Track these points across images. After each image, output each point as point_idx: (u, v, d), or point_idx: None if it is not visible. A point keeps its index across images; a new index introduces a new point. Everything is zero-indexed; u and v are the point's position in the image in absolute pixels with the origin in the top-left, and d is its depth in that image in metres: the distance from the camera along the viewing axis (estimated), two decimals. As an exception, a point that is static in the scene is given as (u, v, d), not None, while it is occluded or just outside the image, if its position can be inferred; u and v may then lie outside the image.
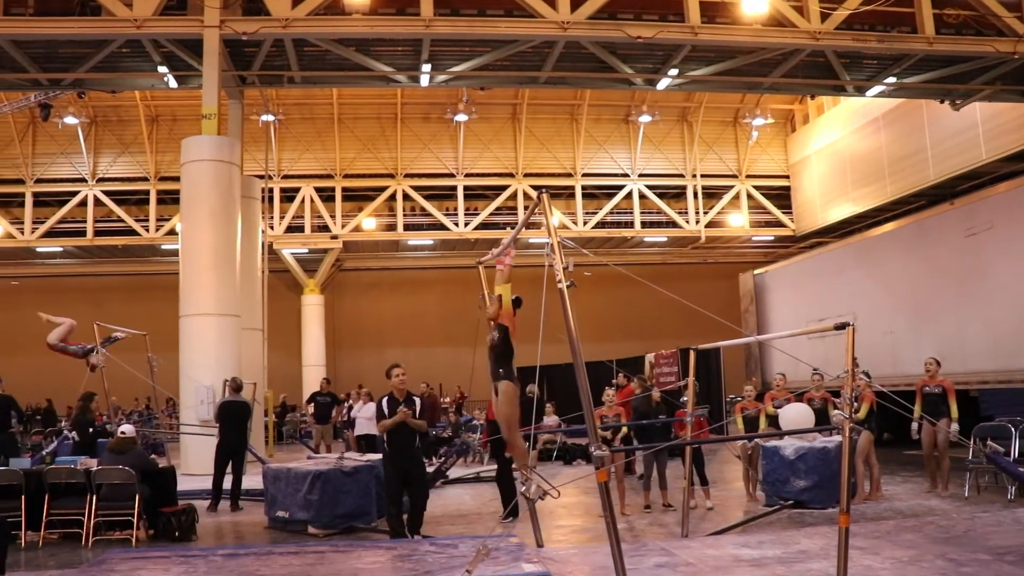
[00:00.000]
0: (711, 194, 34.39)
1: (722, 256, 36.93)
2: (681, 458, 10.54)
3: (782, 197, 34.52)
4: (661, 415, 11.33)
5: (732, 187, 34.32)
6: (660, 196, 33.93)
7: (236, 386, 12.75)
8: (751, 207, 34.37)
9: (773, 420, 11.24)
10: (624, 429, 11.02)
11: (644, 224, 33.84)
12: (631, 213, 33.71)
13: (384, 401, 8.62)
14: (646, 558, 7.03)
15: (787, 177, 34.75)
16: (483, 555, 4.53)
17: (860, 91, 22.16)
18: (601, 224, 33.48)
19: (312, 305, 34.56)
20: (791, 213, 34.26)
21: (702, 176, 34.27)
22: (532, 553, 6.50)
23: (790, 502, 10.39)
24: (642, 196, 33.81)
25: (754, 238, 35.16)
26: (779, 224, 34.26)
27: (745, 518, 9.90)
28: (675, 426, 11.35)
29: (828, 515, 9.63)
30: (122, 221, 32.52)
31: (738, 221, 34.33)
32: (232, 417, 12.15)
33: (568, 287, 5.09)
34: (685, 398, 9.88)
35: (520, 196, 33.01)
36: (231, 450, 12.11)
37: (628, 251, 34.95)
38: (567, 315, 5.15)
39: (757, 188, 34.37)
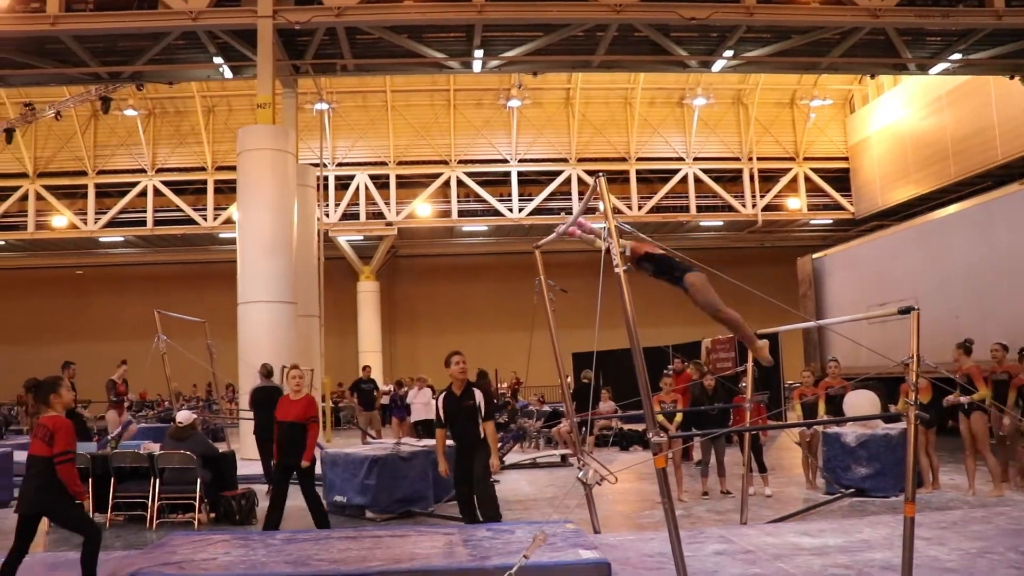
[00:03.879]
0: (768, 177, 33.96)
1: (779, 240, 36.43)
2: (740, 445, 10.40)
3: (841, 180, 33.94)
4: (718, 401, 11.21)
5: (789, 170, 33.87)
6: (716, 180, 33.60)
7: (266, 372, 12.69)
8: (809, 190, 33.85)
9: (834, 407, 11.04)
10: (679, 416, 10.91)
11: (700, 208, 33.55)
12: (686, 197, 33.43)
13: (441, 399, 8.04)
14: (705, 545, 6.95)
15: (846, 159, 34.14)
16: (540, 541, 4.51)
17: (923, 69, 21.63)
18: (656, 209, 33.26)
19: (368, 291, 34.83)
20: (850, 196, 33.67)
21: (758, 159, 33.86)
22: (589, 539, 6.46)
23: (851, 490, 10.20)
24: (697, 180, 33.50)
25: (812, 222, 34.62)
26: (838, 207, 33.71)
27: (805, 506, 9.74)
28: (734, 412, 11.21)
29: (891, 504, 9.44)
30: (181, 211, 33.13)
31: (796, 204, 33.84)
32: (264, 403, 12.13)
33: (625, 271, 5.03)
34: (744, 384, 9.75)
35: (574, 181, 32.90)
36: (267, 436, 12.07)
37: (684, 236, 34.64)
38: (625, 300, 5.09)
39: (815, 171, 33.85)
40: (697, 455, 12.94)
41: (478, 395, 7.81)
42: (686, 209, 33.49)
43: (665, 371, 13.60)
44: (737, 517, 8.85)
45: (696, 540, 7.10)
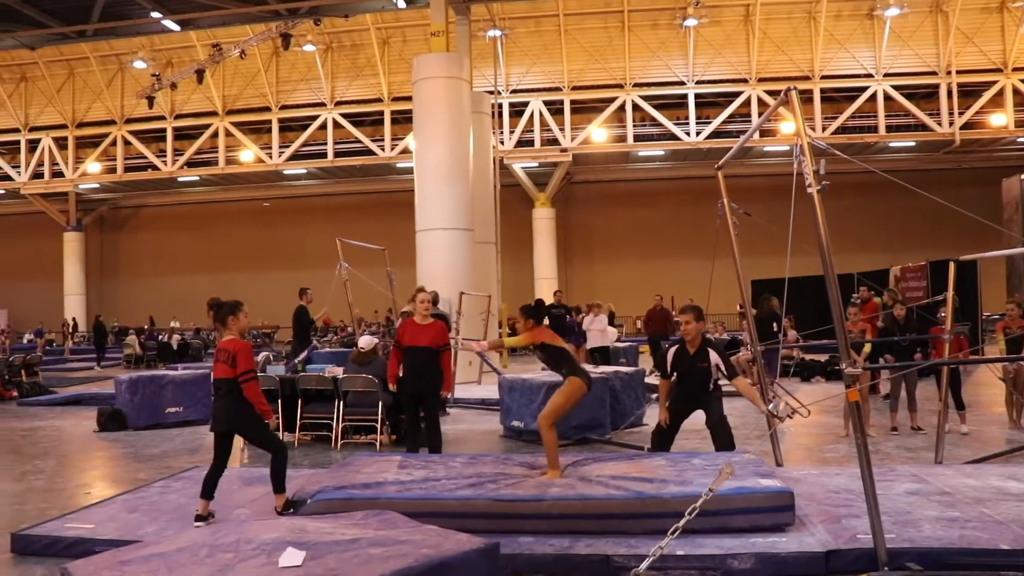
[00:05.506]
0: (968, 92, 31.55)
1: (980, 161, 33.99)
2: (936, 379, 9.80)
3: (1056, 91, 31.04)
4: (910, 332, 10.59)
5: (994, 83, 31.26)
6: (908, 97, 31.58)
7: (433, 299, 12.85)
8: (1017, 104, 31.17)
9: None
10: (868, 347, 10.36)
11: (889, 128, 31.68)
12: (875, 117, 31.60)
13: (672, 352, 7.32)
14: (896, 484, 6.60)
15: (1063, 67, 31.13)
16: (727, 474, 4.37)
17: None
18: (841, 129, 31.70)
19: (543, 219, 35.02)
20: (1066, 109, 30.79)
21: (958, 72, 31.44)
22: (771, 470, 6.26)
23: (1063, 431, 9.47)
24: (887, 98, 31.59)
25: (1019, 139, 31.95)
26: (1052, 122, 30.92)
27: (1009, 447, 9.11)
28: (933, 344, 10.55)
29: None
30: (359, 142, 34.18)
31: (1000, 121, 31.29)
32: None
33: (819, 191, 4.71)
34: (942, 313, 9.15)
35: (754, 102, 31.69)
36: None
37: (871, 157, 32.81)
38: (818, 223, 4.78)
39: (1025, 82, 31.08)
40: (885, 388, 12.37)
41: (713, 356, 7.14)
42: (874, 129, 31.68)
43: (852, 299, 12.98)
44: (929, 455, 8.40)
45: (886, 478, 6.75)
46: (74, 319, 37.34)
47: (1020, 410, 10.50)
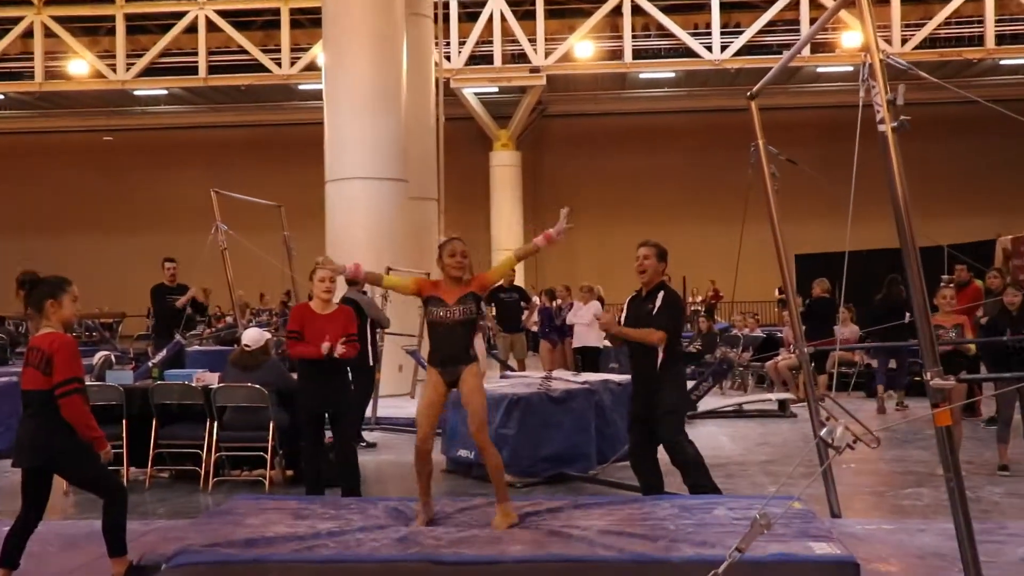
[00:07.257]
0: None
1: None
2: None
3: None
4: (1027, 329, 10.68)
5: None
6: (1027, -6, 31.81)
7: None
8: None
9: None
10: (972, 347, 10.41)
11: (1000, 39, 31.78)
12: (980, 23, 31.72)
13: (627, 302, 7.89)
14: (1007, 546, 6.64)
15: None
16: (761, 528, 4.37)
17: None
18: (930, 42, 31.76)
19: (505, 166, 35.02)
20: None
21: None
22: (825, 526, 6.31)
23: None
24: (998, -3, 31.76)
25: None
26: None
27: None
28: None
29: None
30: (245, 53, 33.66)
31: None
32: None
33: (895, 130, 4.71)
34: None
35: (804, 3, 31.64)
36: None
37: (973, 80, 32.98)
38: (893, 175, 4.78)
39: None
40: (988, 410, 12.49)
41: (659, 298, 7.58)
42: (979, 41, 31.85)
43: (943, 281, 13.04)
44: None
45: (993, 538, 6.81)
46: None
47: None
